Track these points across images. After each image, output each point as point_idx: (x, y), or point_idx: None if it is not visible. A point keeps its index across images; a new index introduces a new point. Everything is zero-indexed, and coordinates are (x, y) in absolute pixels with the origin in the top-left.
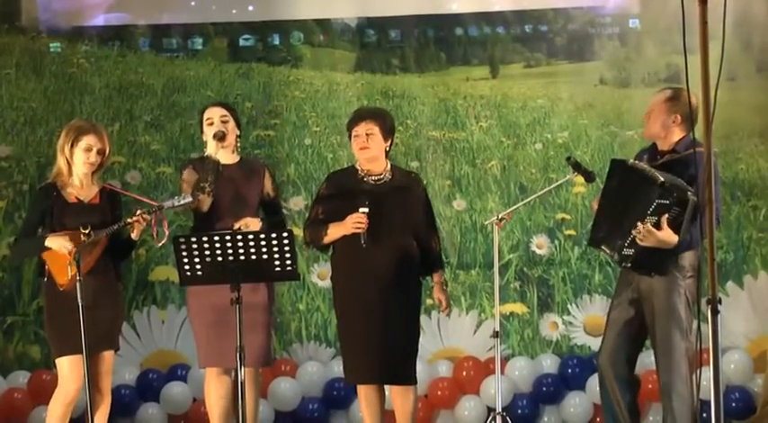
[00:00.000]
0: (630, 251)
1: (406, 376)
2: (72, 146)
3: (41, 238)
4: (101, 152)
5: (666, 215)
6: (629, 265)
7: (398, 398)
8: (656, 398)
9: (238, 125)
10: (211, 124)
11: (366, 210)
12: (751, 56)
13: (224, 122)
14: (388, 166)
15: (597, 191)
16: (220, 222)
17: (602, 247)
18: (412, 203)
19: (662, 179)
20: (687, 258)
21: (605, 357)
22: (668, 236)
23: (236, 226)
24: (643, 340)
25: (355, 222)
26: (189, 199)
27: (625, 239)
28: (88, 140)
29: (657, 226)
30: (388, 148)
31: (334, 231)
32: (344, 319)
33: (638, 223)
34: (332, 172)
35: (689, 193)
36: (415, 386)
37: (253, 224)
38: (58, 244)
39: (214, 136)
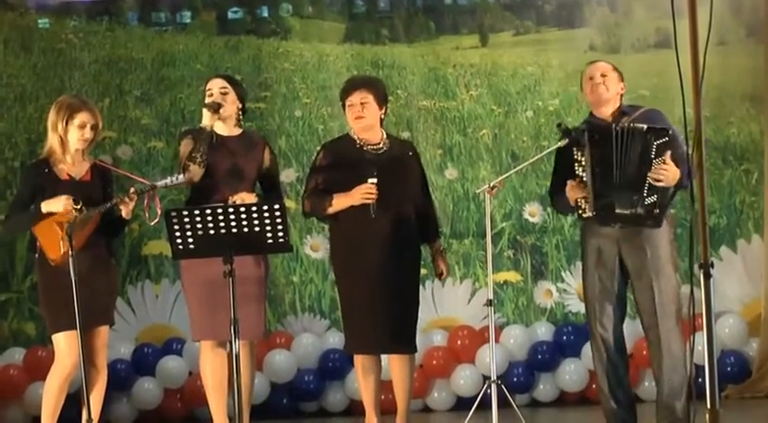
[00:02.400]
0: (653, 197)
1: (408, 345)
2: (66, 123)
3: (35, 207)
4: (94, 128)
5: (669, 152)
6: (659, 212)
7: (398, 367)
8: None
9: (241, 99)
10: (211, 96)
11: (375, 180)
12: (741, 20)
13: (223, 94)
14: (384, 135)
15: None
16: (217, 194)
17: (617, 212)
18: (410, 173)
19: (644, 126)
20: (671, 221)
21: (599, 329)
22: (676, 169)
23: (232, 201)
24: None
25: (365, 193)
26: (182, 178)
27: (642, 191)
28: (82, 117)
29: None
30: (382, 117)
31: (340, 202)
32: (347, 290)
33: (650, 169)
34: (327, 141)
35: (670, 129)
36: (414, 356)
37: (249, 199)
38: (57, 202)
39: (208, 107)
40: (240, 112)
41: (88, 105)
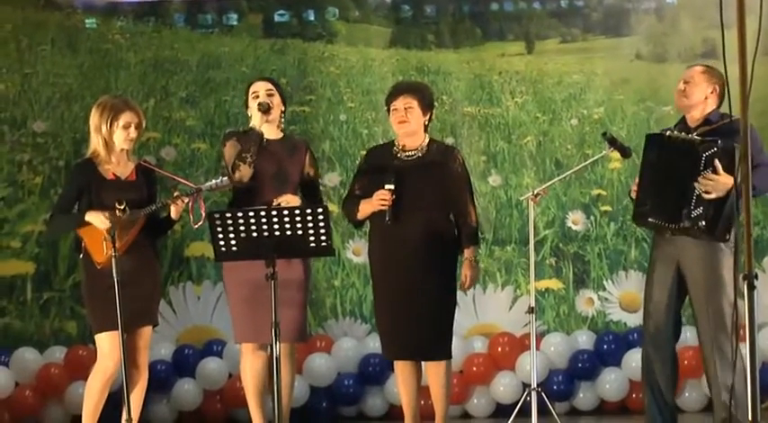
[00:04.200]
0: (699, 210)
1: (440, 352)
2: (110, 125)
3: (80, 212)
4: (138, 126)
5: (721, 163)
6: (704, 224)
7: (433, 373)
8: (691, 375)
9: (283, 101)
10: (257, 97)
11: (391, 187)
12: None
13: (270, 96)
14: (426, 140)
15: (633, 166)
16: (262, 197)
17: (650, 220)
18: (446, 179)
19: (698, 138)
20: (732, 231)
21: (651, 340)
22: (727, 178)
23: (276, 202)
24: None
25: (379, 199)
26: (227, 181)
27: (689, 204)
28: (126, 117)
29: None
30: (426, 123)
31: (365, 208)
32: (378, 296)
33: (696, 182)
34: (371, 147)
35: (733, 141)
36: (450, 361)
37: (293, 202)
38: (97, 219)
39: (259, 106)
40: (282, 116)
41: (130, 105)
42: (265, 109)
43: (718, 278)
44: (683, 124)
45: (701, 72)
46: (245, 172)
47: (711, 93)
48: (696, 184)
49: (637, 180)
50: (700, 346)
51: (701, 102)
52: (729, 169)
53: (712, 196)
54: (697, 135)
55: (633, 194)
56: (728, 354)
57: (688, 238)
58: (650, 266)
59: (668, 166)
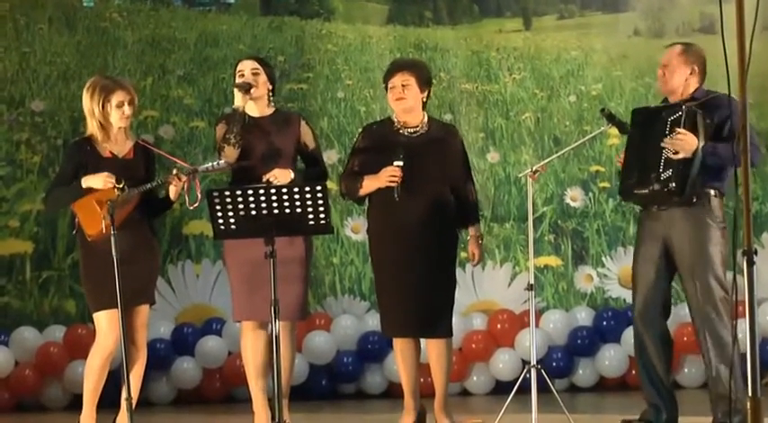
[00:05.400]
0: (669, 172)
1: (441, 329)
2: (103, 106)
3: (77, 182)
4: (131, 103)
5: (684, 127)
6: (674, 185)
7: (434, 351)
8: (690, 350)
9: (272, 80)
10: (242, 76)
11: (401, 163)
12: None
13: (255, 75)
14: (425, 118)
15: None
16: (255, 174)
17: (635, 192)
18: (448, 155)
19: (662, 104)
20: (717, 206)
21: (640, 317)
22: (692, 137)
23: (266, 178)
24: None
25: (389, 175)
26: (223, 163)
27: (658, 168)
28: (118, 97)
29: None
30: (424, 100)
31: (369, 184)
32: (380, 272)
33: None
34: (368, 124)
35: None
36: (451, 339)
37: (282, 175)
38: (98, 179)
39: (239, 87)
40: (270, 93)
41: (120, 83)
42: (246, 89)
43: (705, 254)
44: (665, 102)
45: (679, 54)
46: (230, 153)
47: (691, 74)
48: (663, 147)
49: (623, 155)
50: (692, 323)
51: (682, 84)
52: (693, 132)
53: (680, 156)
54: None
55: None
56: (719, 330)
57: (675, 213)
58: (637, 243)
59: (645, 135)
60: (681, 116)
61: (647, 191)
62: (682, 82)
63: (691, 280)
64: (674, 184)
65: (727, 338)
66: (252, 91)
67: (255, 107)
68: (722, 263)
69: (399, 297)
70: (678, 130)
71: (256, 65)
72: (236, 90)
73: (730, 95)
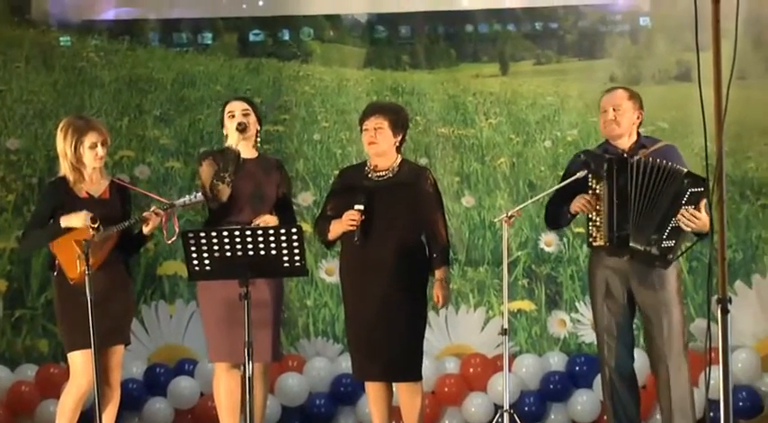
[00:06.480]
0: (671, 242)
1: (410, 374)
2: (75, 149)
3: (55, 223)
4: (104, 143)
5: (705, 201)
6: (671, 257)
7: (405, 395)
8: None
9: (259, 121)
10: (233, 117)
11: (361, 207)
12: (762, 54)
13: (245, 115)
14: (398, 161)
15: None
16: (239, 216)
17: (632, 245)
18: (417, 199)
19: (686, 170)
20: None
21: (611, 366)
22: (707, 218)
23: (256, 222)
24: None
25: (349, 219)
26: (201, 197)
27: (662, 232)
28: (91, 138)
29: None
30: (398, 144)
31: (335, 228)
32: (349, 316)
33: (677, 213)
34: (344, 167)
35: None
36: (421, 383)
37: (272, 222)
38: (76, 218)
39: (238, 126)
40: (258, 135)
41: (92, 124)
42: (243, 128)
43: (667, 297)
44: (611, 147)
45: (628, 98)
46: (223, 191)
47: (638, 118)
48: (680, 217)
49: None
50: (651, 365)
51: (630, 128)
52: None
53: (688, 231)
54: (644, 160)
55: (594, 216)
56: (681, 371)
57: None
58: (595, 289)
59: (648, 190)
60: (701, 192)
61: (641, 249)
62: (630, 126)
63: (653, 324)
64: (671, 257)
65: (688, 390)
66: (247, 131)
67: (244, 148)
68: (681, 306)
69: (367, 341)
70: (699, 210)
71: (246, 106)
72: (231, 129)
73: (673, 145)
